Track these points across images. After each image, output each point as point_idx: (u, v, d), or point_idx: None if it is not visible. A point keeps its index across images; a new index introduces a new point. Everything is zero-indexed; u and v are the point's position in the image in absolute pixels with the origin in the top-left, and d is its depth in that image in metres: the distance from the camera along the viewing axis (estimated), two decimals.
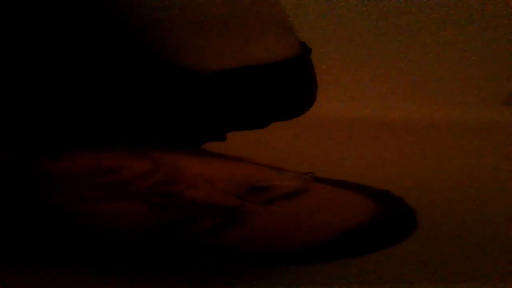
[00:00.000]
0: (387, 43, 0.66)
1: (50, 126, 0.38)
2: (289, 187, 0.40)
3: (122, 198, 0.37)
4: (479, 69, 0.69)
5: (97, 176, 0.37)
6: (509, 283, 0.47)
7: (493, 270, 0.48)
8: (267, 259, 0.41)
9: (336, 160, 0.57)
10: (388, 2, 0.64)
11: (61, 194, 0.37)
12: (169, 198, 0.37)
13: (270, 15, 0.37)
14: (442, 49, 0.67)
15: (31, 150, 0.39)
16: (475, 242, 0.51)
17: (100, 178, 0.37)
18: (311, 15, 0.62)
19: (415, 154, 0.61)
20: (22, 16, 0.35)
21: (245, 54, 0.36)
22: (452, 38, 0.67)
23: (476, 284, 0.47)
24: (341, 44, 0.64)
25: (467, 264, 0.49)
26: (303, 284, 0.46)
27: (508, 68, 0.69)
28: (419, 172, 0.59)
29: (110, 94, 0.37)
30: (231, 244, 0.39)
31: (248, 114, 0.39)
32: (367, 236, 0.41)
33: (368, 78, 0.66)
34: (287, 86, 0.38)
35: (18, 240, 0.43)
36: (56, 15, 0.35)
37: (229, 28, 0.35)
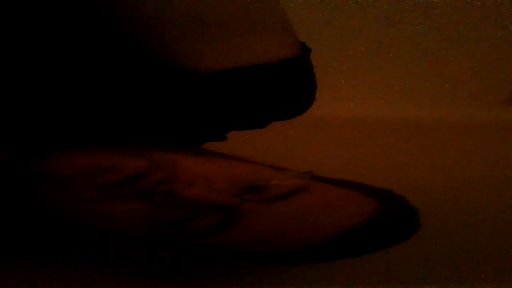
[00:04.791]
0: (387, 43, 0.66)
1: (50, 126, 0.38)
2: (288, 186, 0.40)
3: (121, 198, 0.37)
4: (480, 69, 0.69)
5: (97, 175, 0.37)
6: (510, 284, 0.47)
7: (494, 270, 0.48)
8: (266, 259, 0.41)
9: (336, 160, 0.57)
10: (389, 2, 0.64)
11: (60, 194, 0.37)
12: (168, 197, 0.37)
13: (270, 15, 0.37)
14: (443, 50, 0.67)
15: (31, 150, 0.39)
16: (476, 242, 0.51)
17: (100, 178, 0.37)
18: (310, 15, 0.62)
19: (416, 154, 0.61)
20: (23, 16, 0.35)
21: (244, 55, 0.36)
22: (453, 39, 0.67)
23: (477, 285, 0.47)
24: (341, 45, 0.64)
25: (468, 264, 0.49)
26: (303, 284, 0.46)
27: (509, 69, 0.69)
28: (420, 172, 0.59)
29: (111, 94, 0.37)
30: (230, 244, 0.39)
31: (247, 113, 0.39)
32: (368, 235, 0.41)
33: (368, 78, 0.66)
34: (286, 86, 0.38)
35: (18, 240, 0.43)
36: (56, 16, 0.35)
37: (229, 28, 0.35)
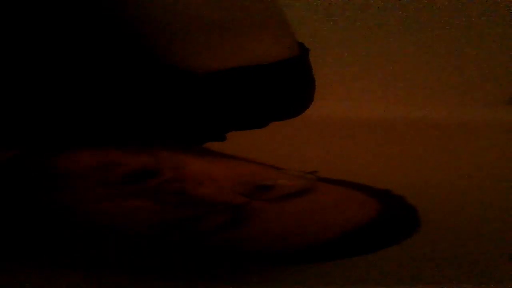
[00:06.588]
0: (387, 42, 0.65)
1: (56, 126, 0.38)
2: (294, 186, 0.40)
3: (130, 196, 0.37)
4: (482, 69, 0.68)
5: (106, 174, 0.37)
6: (509, 284, 0.47)
7: (494, 270, 0.48)
8: (272, 258, 0.41)
9: (336, 160, 0.57)
10: (389, 2, 0.64)
11: (70, 192, 0.37)
12: (176, 196, 0.37)
13: (268, 15, 0.37)
14: (443, 49, 0.67)
15: (40, 149, 0.39)
16: (476, 242, 0.51)
17: (109, 177, 0.37)
18: (309, 15, 0.62)
19: (416, 154, 0.61)
20: (28, 19, 0.35)
21: (243, 55, 0.36)
22: (454, 39, 0.67)
23: (477, 285, 0.47)
24: (341, 45, 0.64)
25: (467, 264, 0.48)
26: (303, 284, 0.46)
27: (511, 68, 0.69)
28: (420, 172, 0.59)
29: (111, 95, 0.37)
30: (237, 243, 0.39)
31: (246, 114, 0.39)
32: (371, 234, 0.41)
33: (368, 78, 0.66)
34: (285, 87, 0.38)
35: (19, 239, 0.43)
36: (57, 17, 0.35)
37: (227, 28, 0.35)
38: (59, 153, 0.38)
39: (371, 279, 0.47)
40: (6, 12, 0.35)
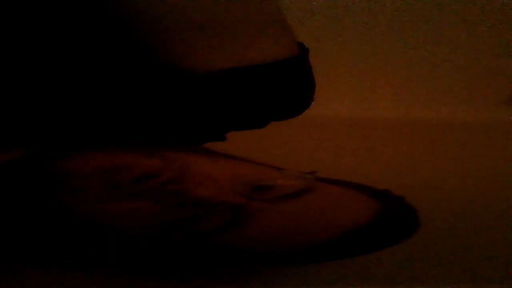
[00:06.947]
0: (387, 43, 0.65)
1: (55, 126, 0.38)
2: (293, 186, 0.40)
3: (132, 197, 0.37)
4: (482, 69, 0.69)
5: (108, 175, 0.37)
6: (509, 284, 0.47)
7: (493, 270, 0.48)
8: (272, 258, 0.41)
9: (336, 160, 0.57)
10: (389, 2, 0.64)
11: (72, 193, 0.37)
12: (176, 196, 0.37)
13: (268, 15, 0.37)
14: (444, 49, 0.67)
15: (44, 150, 0.39)
16: (476, 242, 0.51)
17: (111, 177, 0.37)
18: (309, 15, 0.63)
19: (416, 154, 0.61)
20: (29, 19, 0.35)
21: (243, 55, 0.36)
22: (454, 39, 0.67)
23: (476, 285, 0.47)
24: (341, 44, 0.64)
25: (467, 264, 0.48)
26: (303, 284, 0.46)
27: (510, 69, 0.69)
28: (420, 172, 0.59)
29: (111, 95, 0.37)
30: (237, 243, 0.39)
31: (246, 114, 0.39)
32: (371, 234, 0.41)
33: (368, 78, 0.66)
34: (285, 86, 0.39)
35: (19, 240, 0.43)
36: (58, 18, 0.35)
37: (227, 29, 0.35)
38: (63, 155, 0.38)
39: (371, 279, 0.47)
40: (8, 12, 0.35)
